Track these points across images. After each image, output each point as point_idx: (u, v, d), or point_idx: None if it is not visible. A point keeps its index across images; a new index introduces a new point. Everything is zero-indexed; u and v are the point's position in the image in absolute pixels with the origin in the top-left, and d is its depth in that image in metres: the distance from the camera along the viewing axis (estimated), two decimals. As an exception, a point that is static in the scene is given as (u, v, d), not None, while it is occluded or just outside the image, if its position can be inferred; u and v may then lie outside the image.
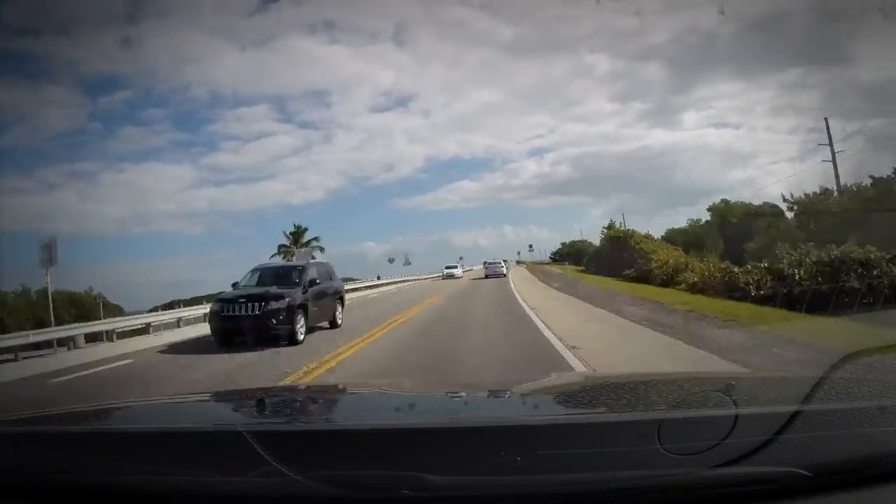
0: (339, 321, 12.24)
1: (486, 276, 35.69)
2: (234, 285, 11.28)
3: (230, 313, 9.93)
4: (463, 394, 2.06)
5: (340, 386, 4.09)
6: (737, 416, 1.07)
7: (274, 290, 10.34)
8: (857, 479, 1.03)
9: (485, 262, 41.83)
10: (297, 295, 10.32)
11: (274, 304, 9.78)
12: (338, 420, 1.59)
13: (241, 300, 9.96)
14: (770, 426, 1.04)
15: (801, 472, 1.00)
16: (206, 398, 2.31)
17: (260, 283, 11.33)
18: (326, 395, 2.38)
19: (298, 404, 1.95)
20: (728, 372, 4.89)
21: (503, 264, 39.55)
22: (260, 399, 1.43)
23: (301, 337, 10.01)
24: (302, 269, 11.56)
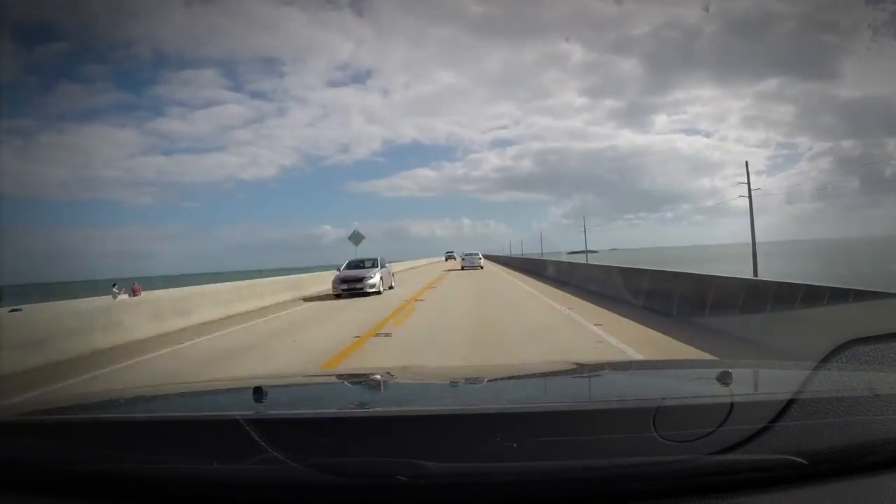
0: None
1: (463, 268, 36.56)
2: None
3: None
4: (459, 380, 2.07)
5: (336, 373, 4.10)
6: (732, 404, 1.08)
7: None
8: (852, 467, 1.03)
9: (462, 255, 43.42)
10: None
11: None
12: (334, 407, 1.59)
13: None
14: (766, 414, 1.05)
15: (797, 459, 1.00)
16: (204, 387, 2.31)
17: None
18: (322, 383, 2.38)
19: (295, 392, 1.95)
20: (724, 360, 4.91)
21: (480, 257, 39.72)
22: (257, 387, 1.44)
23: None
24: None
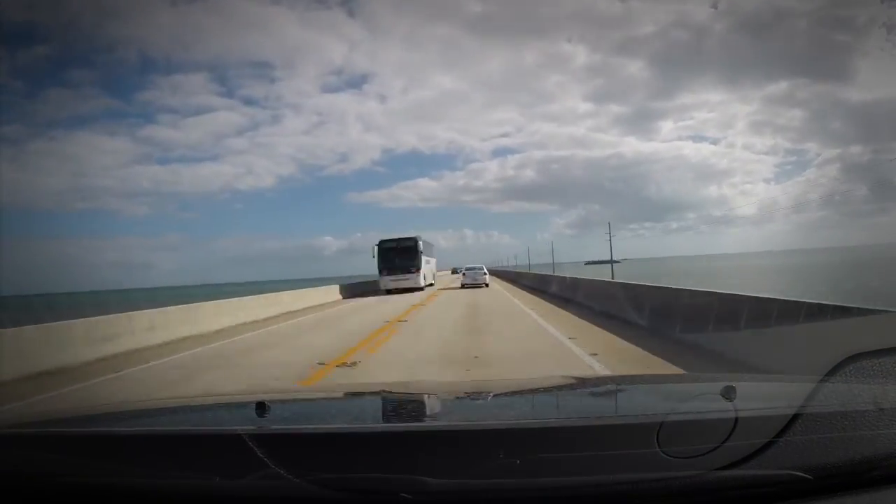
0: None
1: (463, 286, 29.04)
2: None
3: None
4: (461, 396, 2.06)
5: (339, 388, 4.09)
6: (737, 419, 1.07)
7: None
8: (857, 482, 1.03)
9: (463, 269, 34.02)
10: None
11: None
12: (336, 423, 1.59)
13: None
14: (770, 429, 1.04)
15: (802, 474, 1.00)
16: (206, 401, 2.31)
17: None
18: (325, 397, 2.38)
19: (297, 407, 1.95)
20: (728, 374, 4.88)
21: (485, 272, 30.91)
22: (259, 402, 1.43)
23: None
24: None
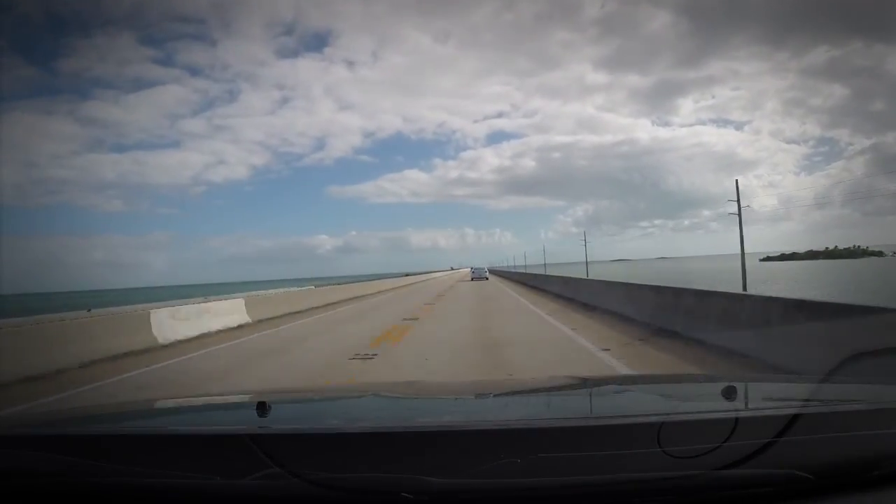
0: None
1: (472, 279, 46.73)
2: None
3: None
4: (462, 396, 2.07)
5: (340, 388, 4.10)
6: (737, 419, 1.07)
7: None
8: (858, 482, 1.03)
9: (471, 268, 57.30)
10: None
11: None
12: (337, 423, 1.59)
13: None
14: (771, 428, 1.05)
15: (802, 474, 1.00)
16: (208, 401, 2.31)
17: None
18: (326, 398, 2.38)
19: (298, 407, 1.95)
20: (729, 374, 4.89)
21: (486, 270, 53.22)
22: (261, 402, 1.44)
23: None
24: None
